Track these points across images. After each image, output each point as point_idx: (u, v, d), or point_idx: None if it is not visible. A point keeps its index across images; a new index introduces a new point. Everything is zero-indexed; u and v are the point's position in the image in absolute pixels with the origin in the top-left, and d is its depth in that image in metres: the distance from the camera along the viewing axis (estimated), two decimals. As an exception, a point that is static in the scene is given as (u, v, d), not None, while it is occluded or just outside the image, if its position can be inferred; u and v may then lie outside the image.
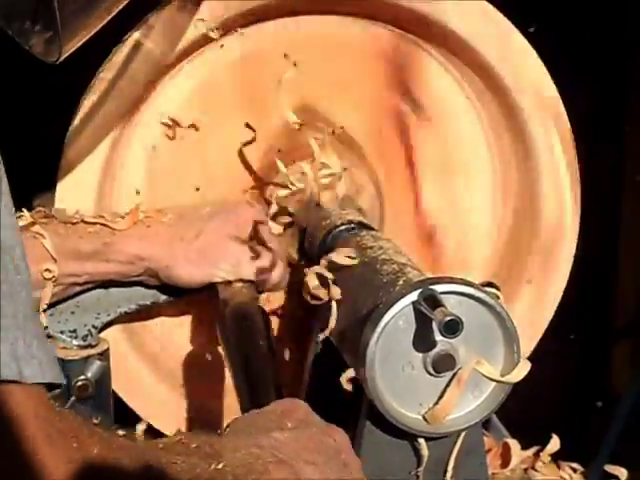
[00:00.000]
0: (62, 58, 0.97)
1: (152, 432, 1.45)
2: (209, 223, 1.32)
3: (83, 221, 1.28)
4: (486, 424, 1.53)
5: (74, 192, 1.37)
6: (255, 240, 1.33)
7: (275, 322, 1.48)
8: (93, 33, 0.98)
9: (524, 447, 1.47)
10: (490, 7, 1.42)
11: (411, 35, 1.44)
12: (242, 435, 0.97)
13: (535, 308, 1.53)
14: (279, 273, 1.35)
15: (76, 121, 1.33)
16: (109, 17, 0.99)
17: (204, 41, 1.37)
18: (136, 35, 1.32)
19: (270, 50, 1.41)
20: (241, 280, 1.32)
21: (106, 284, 1.32)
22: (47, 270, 1.23)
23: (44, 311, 1.27)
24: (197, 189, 1.43)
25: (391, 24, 1.44)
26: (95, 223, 1.28)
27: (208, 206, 1.35)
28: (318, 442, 0.98)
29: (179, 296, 1.37)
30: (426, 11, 1.40)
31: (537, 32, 1.44)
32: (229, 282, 1.32)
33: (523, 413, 1.59)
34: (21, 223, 1.24)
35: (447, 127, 1.50)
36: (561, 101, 1.47)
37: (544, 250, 1.52)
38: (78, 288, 1.30)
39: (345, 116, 1.46)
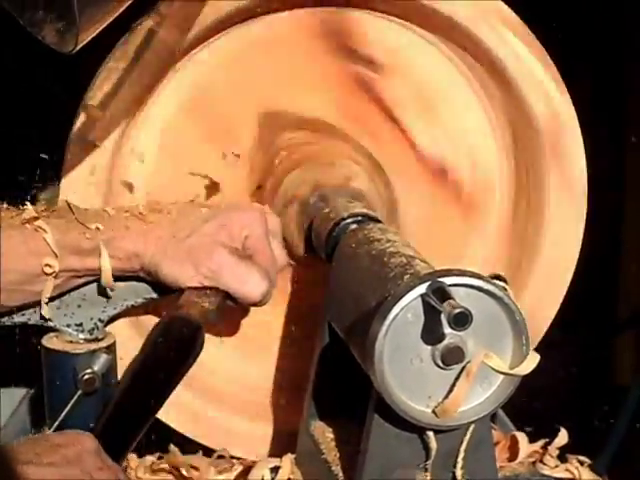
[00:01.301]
0: (78, 48, 0.96)
1: (159, 426, 1.44)
2: (204, 225, 1.29)
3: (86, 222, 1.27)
4: (492, 417, 1.53)
5: (79, 183, 1.36)
6: (245, 251, 1.30)
7: (282, 315, 1.48)
8: (108, 22, 0.98)
9: (530, 440, 1.47)
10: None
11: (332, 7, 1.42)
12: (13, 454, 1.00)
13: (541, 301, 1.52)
14: (261, 290, 1.28)
15: (83, 111, 1.33)
16: (125, 5, 0.98)
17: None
18: (147, 22, 1.31)
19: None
20: (216, 289, 1.28)
21: None
22: (48, 265, 1.23)
23: (46, 304, 1.27)
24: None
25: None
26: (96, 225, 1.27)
27: (207, 206, 1.34)
28: None
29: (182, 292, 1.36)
30: None
31: (535, 31, 1.43)
32: (202, 288, 1.28)
33: (529, 405, 1.59)
34: (24, 216, 1.24)
35: (412, 68, 1.47)
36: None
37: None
38: (79, 281, 1.30)
39: (310, 105, 1.45)
